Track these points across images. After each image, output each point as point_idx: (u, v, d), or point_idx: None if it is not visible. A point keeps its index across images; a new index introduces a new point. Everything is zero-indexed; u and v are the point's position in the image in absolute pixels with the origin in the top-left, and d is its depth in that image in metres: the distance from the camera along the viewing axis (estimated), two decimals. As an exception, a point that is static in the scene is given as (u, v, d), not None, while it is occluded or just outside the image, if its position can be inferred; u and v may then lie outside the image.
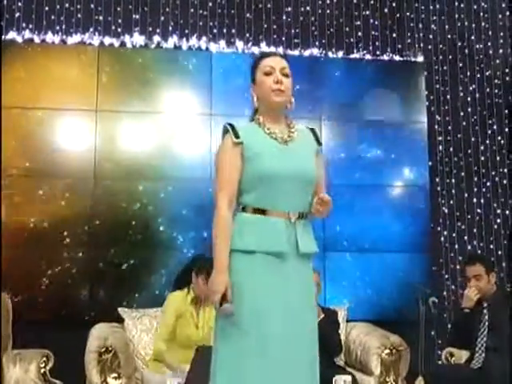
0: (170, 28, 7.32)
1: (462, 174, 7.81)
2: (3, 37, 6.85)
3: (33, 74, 6.74)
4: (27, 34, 7.01)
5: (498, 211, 7.84)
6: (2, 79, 6.42)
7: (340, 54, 7.64)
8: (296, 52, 7.52)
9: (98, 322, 5.64)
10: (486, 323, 5.34)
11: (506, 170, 7.91)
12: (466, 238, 7.71)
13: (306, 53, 7.57)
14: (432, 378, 5.29)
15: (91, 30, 7.14)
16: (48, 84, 6.77)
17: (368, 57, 7.69)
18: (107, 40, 7.16)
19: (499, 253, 7.75)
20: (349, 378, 4.52)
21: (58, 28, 7.08)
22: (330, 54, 7.62)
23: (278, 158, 3.10)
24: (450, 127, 7.85)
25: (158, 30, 7.28)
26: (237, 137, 3.12)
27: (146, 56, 7.09)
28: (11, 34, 6.96)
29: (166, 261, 6.55)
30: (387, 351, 5.45)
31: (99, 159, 6.67)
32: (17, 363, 5.06)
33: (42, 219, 6.45)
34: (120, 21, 7.22)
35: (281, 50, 7.46)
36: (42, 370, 5.00)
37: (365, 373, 5.45)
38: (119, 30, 7.21)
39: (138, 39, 7.24)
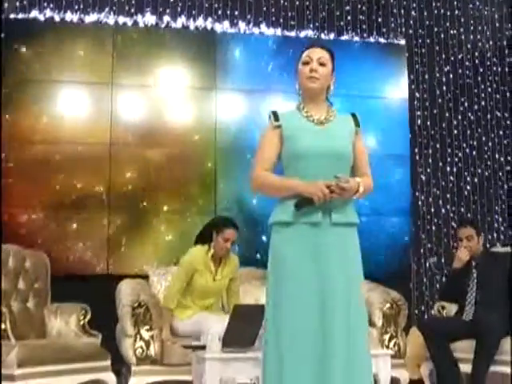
0: (179, 9, 7.05)
1: (438, 145, 7.72)
2: (26, 15, 6.57)
3: (54, 50, 6.47)
4: (48, 13, 6.68)
5: (468, 179, 7.78)
6: (27, 55, 6.25)
7: (331, 35, 7.44)
8: (292, 33, 7.31)
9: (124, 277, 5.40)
10: (475, 280, 5.25)
11: (475, 143, 7.84)
12: (440, 202, 7.65)
13: (302, 34, 7.35)
14: (426, 328, 5.21)
15: (107, 9, 6.84)
16: (68, 59, 6.51)
17: (356, 38, 7.51)
18: (121, 19, 6.86)
19: (469, 215, 7.70)
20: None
21: (76, 7, 6.77)
22: (323, 36, 7.42)
23: (312, 137, 2.99)
24: (427, 103, 7.74)
25: (167, 11, 7.00)
26: (276, 120, 3.03)
27: (156, 34, 6.86)
28: (33, 13, 6.65)
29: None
30: (388, 305, 5.34)
31: (114, 126, 6.49)
32: (57, 316, 4.87)
33: (80, 182, 6.29)
34: (133, 1, 6.93)
35: (279, 31, 7.28)
36: (81, 323, 4.80)
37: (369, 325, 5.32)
38: (132, 10, 6.93)
39: (150, 19, 6.95)
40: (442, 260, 7.36)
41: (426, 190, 7.60)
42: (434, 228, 7.57)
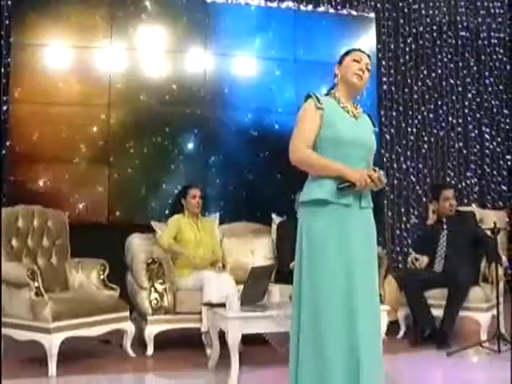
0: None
1: (401, 108, 7.71)
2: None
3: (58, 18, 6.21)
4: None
5: (425, 138, 7.81)
6: (38, 22, 5.93)
7: (309, 6, 7.25)
8: (274, 4, 7.09)
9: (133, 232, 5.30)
10: (445, 236, 5.29)
11: (432, 107, 7.86)
12: (402, 158, 7.69)
13: (283, 5, 7.13)
14: (402, 279, 5.26)
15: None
16: (71, 25, 6.23)
17: (331, 10, 7.36)
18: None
19: (425, 171, 7.77)
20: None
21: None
22: (302, 7, 7.22)
23: (350, 127, 2.90)
24: (392, 71, 7.70)
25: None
26: (320, 102, 2.91)
27: (153, 3, 6.55)
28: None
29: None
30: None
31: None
32: (79, 270, 4.72)
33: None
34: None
35: (262, 1, 7.03)
36: (101, 277, 4.67)
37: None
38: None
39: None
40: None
41: (390, 147, 7.61)
42: (395, 181, 7.62)
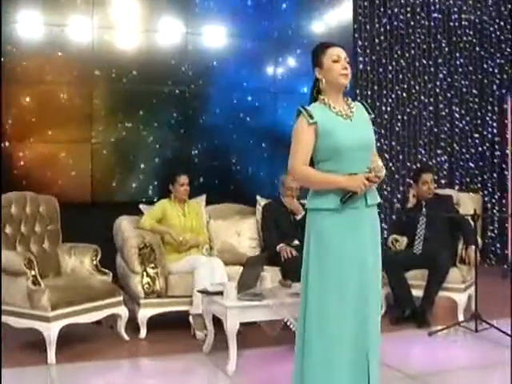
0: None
1: (375, 87, 7.74)
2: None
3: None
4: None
5: (399, 117, 7.87)
6: None
7: (288, -13, 7.15)
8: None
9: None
10: (424, 219, 5.38)
11: (405, 86, 7.90)
12: (376, 136, 7.70)
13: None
14: (383, 259, 5.32)
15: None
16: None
17: (310, -10, 7.27)
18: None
19: (398, 148, 7.85)
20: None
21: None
22: (281, -13, 7.12)
23: (347, 132, 2.86)
24: (368, 51, 7.69)
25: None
26: (311, 117, 2.87)
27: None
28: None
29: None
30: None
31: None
32: (72, 255, 4.68)
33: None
34: None
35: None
36: (94, 262, 4.64)
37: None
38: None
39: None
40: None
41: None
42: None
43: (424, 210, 5.41)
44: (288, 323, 3.84)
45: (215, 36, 6.66)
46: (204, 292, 4.12)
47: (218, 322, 4.08)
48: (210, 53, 6.62)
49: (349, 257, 2.85)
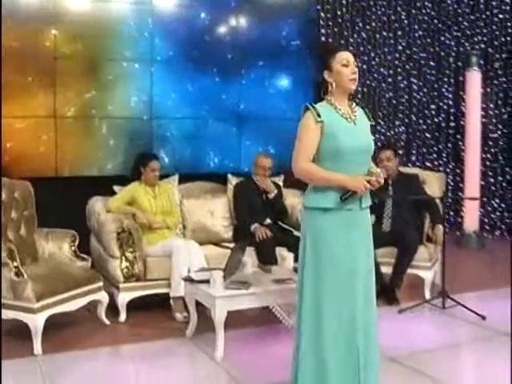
0: None
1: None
2: None
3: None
4: None
5: (359, 89, 7.97)
6: None
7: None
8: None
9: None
10: (391, 198, 5.52)
11: (366, 58, 8.00)
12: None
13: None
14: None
15: None
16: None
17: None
18: None
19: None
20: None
21: None
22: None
23: (350, 135, 2.95)
24: (330, 23, 7.74)
25: None
26: (319, 116, 2.92)
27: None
28: None
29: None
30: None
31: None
32: (49, 241, 4.62)
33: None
34: None
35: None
36: (73, 248, 4.61)
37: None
38: None
39: None
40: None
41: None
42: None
43: (390, 188, 5.54)
44: (273, 310, 3.95)
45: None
46: (189, 280, 4.17)
47: (198, 305, 4.20)
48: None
49: (342, 256, 2.95)
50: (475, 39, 8.35)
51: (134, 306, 4.73)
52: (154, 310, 4.83)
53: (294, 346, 3.06)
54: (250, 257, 4.55)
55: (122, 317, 4.67)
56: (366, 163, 3.03)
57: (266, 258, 4.97)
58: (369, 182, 2.92)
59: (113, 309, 4.67)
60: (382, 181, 2.98)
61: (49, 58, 6.00)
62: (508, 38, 7.98)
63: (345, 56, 3.00)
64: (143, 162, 5.14)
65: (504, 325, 4.52)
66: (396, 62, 8.18)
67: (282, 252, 5.00)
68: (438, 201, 5.56)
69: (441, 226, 5.22)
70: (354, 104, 3.11)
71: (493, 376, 3.68)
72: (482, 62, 7.75)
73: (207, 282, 4.02)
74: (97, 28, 6.21)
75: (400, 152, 5.79)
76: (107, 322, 4.55)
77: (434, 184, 5.76)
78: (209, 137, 6.84)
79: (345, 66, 2.97)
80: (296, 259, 4.68)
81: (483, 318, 4.67)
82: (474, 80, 7.59)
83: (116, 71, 6.35)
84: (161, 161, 5.38)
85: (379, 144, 7.65)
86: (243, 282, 4.01)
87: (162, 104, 6.58)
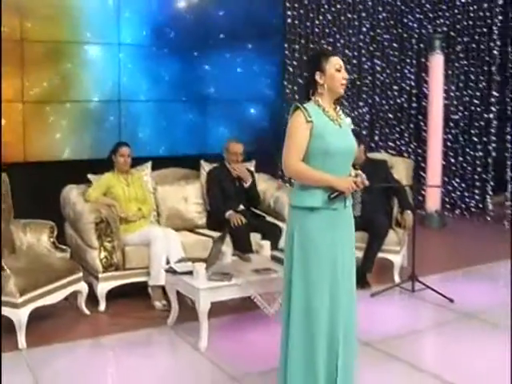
0: None
1: (303, 41, 7.87)
2: None
3: None
4: None
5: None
6: None
7: None
8: None
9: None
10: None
11: (331, 39, 8.09)
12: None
13: None
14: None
15: None
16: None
17: None
18: None
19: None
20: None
21: None
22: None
23: (337, 137, 3.05)
24: (295, 5, 7.77)
25: None
26: (309, 116, 3.01)
27: None
28: None
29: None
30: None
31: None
32: (27, 233, 4.62)
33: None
34: None
35: None
36: (52, 240, 4.64)
37: (279, 220, 5.60)
38: None
39: None
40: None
41: (293, 79, 7.82)
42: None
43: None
44: (255, 300, 4.08)
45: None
46: (171, 271, 4.26)
47: (177, 293, 4.32)
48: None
49: (328, 253, 3.08)
50: (438, 22, 8.51)
51: (112, 294, 4.81)
52: (133, 298, 4.91)
53: (282, 337, 3.18)
54: (228, 246, 4.64)
55: (102, 306, 4.74)
56: (347, 165, 3.15)
57: (242, 246, 5.08)
58: (355, 183, 3.06)
59: (92, 298, 4.73)
60: (367, 182, 3.11)
61: (15, 41, 5.91)
62: (470, 22, 8.16)
63: (338, 61, 3.11)
64: (114, 149, 5.21)
65: (470, 307, 4.78)
66: (360, 44, 8.30)
67: (258, 240, 5.13)
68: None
69: (410, 212, 5.42)
70: (338, 107, 3.21)
71: (463, 358, 3.90)
72: (444, 44, 7.91)
73: (190, 273, 4.11)
74: (64, 10, 6.14)
75: (365, 140, 5.89)
76: (87, 312, 4.62)
77: (401, 170, 5.94)
78: (176, 119, 6.88)
79: (338, 70, 3.08)
80: (272, 247, 4.86)
81: (451, 300, 4.90)
82: (436, 63, 7.77)
83: (84, 54, 6.31)
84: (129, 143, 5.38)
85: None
86: (225, 273, 4.12)
87: (130, 87, 6.57)
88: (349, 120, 3.26)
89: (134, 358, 3.94)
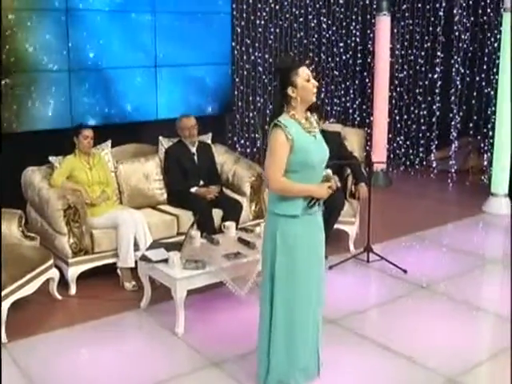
0: None
1: (251, 1, 7.98)
2: None
3: None
4: None
5: (272, 29, 8.26)
6: None
7: None
8: None
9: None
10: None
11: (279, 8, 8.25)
12: (250, 50, 8.15)
13: None
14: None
15: None
16: None
17: None
18: None
19: (270, 60, 8.33)
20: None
21: None
22: None
23: (314, 149, 3.38)
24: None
25: None
26: (290, 134, 3.29)
27: None
28: None
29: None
30: (254, 178, 5.90)
31: None
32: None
33: None
34: None
35: None
36: (21, 229, 4.80)
37: (238, 193, 5.93)
38: None
39: None
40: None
41: (240, 40, 8.00)
42: (245, 73, 8.13)
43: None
44: (227, 284, 4.45)
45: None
46: (146, 259, 4.54)
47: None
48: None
49: (309, 252, 3.49)
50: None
51: (82, 276, 5.06)
52: (103, 279, 5.16)
53: (263, 323, 3.57)
54: (196, 230, 4.95)
55: (73, 290, 4.99)
56: (322, 172, 3.50)
57: (206, 224, 5.38)
58: (329, 187, 3.41)
59: (62, 282, 4.95)
60: (339, 184, 3.49)
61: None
62: (415, -19, 8.47)
63: (306, 71, 3.37)
64: (75, 132, 5.34)
65: (422, 277, 5.28)
66: (307, 2, 8.50)
67: (220, 217, 5.46)
68: (357, 156, 6.15)
69: (363, 184, 5.81)
70: (309, 114, 3.51)
71: (420, 331, 4.38)
72: (391, 3, 8.20)
73: (165, 261, 4.43)
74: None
75: (322, 112, 6.22)
76: (59, 297, 4.86)
77: (354, 140, 6.34)
78: (126, 85, 6.98)
79: (307, 80, 3.34)
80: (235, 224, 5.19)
81: (405, 271, 5.39)
82: (383, 24, 8.08)
83: (30, 21, 6.24)
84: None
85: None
86: (198, 260, 4.43)
87: (80, 55, 6.59)
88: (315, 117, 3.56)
89: (110, 344, 4.24)
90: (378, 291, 5.19)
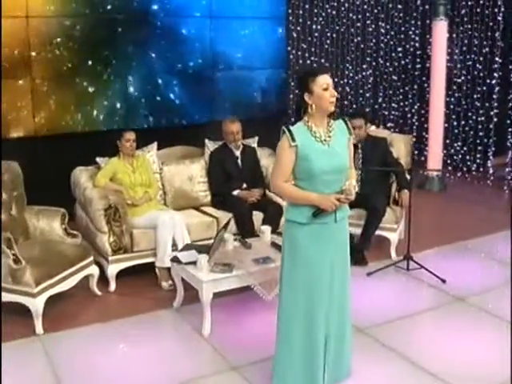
0: None
1: (307, 6, 7.89)
2: None
3: None
4: None
5: (328, 34, 8.12)
6: None
7: None
8: None
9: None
10: (360, 160, 5.82)
11: (335, 3, 8.07)
12: (306, 54, 8.01)
13: None
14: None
15: None
16: None
17: None
18: None
19: (326, 65, 8.15)
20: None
21: None
22: None
23: (323, 158, 3.22)
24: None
25: None
26: (293, 140, 3.19)
27: None
28: None
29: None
30: (297, 182, 5.80)
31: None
32: (40, 220, 4.87)
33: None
34: None
35: None
36: (63, 227, 4.89)
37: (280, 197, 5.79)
38: None
39: None
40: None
41: (296, 45, 7.89)
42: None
43: (360, 151, 5.84)
44: (254, 288, 4.35)
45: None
46: (176, 261, 4.51)
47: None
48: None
49: (315, 264, 3.34)
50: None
51: (123, 274, 5.09)
52: (142, 277, 5.18)
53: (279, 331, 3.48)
54: (229, 233, 4.88)
55: (112, 286, 5.04)
56: (339, 181, 3.30)
57: (245, 227, 5.32)
58: (338, 199, 3.24)
59: (103, 278, 5.01)
60: (352, 197, 3.30)
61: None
62: (475, -14, 8.12)
63: (325, 80, 3.22)
64: (118, 136, 5.38)
65: (462, 288, 5.01)
66: (364, 7, 8.29)
67: (260, 220, 5.38)
68: (403, 163, 5.93)
69: (407, 191, 5.59)
70: (333, 121, 3.36)
71: (452, 346, 4.13)
72: (449, 7, 7.88)
73: (194, 263, 4.38)
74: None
75: (367, 116, 6.00)
76: (99, 292, 4.92)
77: (401, 146, 6.11)
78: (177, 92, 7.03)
79: (325, 89, 3.21)
80: (273, 228, 5.09)
81: (443, 281, 5.15)
82: (440, 29, 7.77)
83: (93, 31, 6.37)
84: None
85: (350, 111, 7.96)
86: (226, 263, 4.37)
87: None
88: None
89: (141, 341, 4.25)
90: (413, 301, 4.95)
